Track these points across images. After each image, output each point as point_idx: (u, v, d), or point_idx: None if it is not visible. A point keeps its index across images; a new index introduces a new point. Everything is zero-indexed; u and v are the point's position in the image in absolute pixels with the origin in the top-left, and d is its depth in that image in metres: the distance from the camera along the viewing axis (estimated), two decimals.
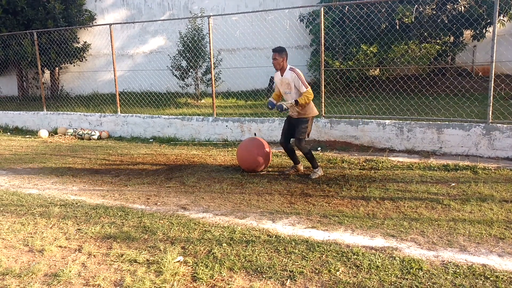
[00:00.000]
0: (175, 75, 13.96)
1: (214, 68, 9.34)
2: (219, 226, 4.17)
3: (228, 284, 3.08)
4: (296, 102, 5.72)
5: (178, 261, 3.46)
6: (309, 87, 5.81)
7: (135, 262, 3.47)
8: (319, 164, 6.11)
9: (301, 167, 6.26)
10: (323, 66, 7.83)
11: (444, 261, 3.30)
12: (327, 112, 8.73)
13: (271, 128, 8.16)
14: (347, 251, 3.50)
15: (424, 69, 13.38)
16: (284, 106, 5.79)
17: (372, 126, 7.29)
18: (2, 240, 4.03)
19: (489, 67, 6.52)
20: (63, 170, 6.84)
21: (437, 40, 12.81)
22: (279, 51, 5.76)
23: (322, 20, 7.70)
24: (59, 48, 14.58)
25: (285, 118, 6.26)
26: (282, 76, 5.85)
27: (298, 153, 6.31)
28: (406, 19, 12.11)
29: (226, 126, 8.57)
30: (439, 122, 6.89)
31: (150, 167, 6.84)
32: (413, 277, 3.06)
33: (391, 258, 3.35)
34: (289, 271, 3.22)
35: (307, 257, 3.42)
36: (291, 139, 6.10)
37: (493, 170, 5.78)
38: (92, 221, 4.45)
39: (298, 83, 5.73)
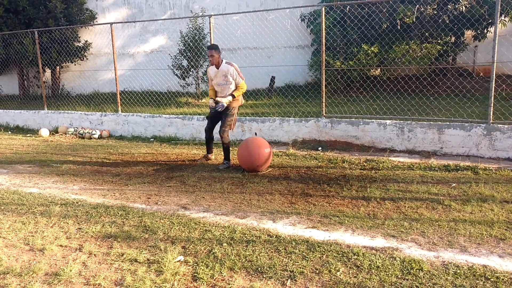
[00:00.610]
0: (176, 75, 13.96)
1: None
2: (220, 225, 4.17)
3: (229, 284, 3.08)
4: (233, 96, 6.50)
5: (179, 261, 3.46)
6: (244, 78, 6.57)
7: (136, 262, 3.47)
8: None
9: (212, 156, 7.05)
10: (324, 66, 7.83)
11: (444, 261, 3.30)
12: (328, 112, 8.73)
13: (272, 128, 8.16)
14: (348, 251, 3.50)
15: (425, 69, 13.37)
16: (225, 104, 6.49)
17: (373, 126, 7.29)
18: (2, 239, 4.04)
19: (490, 68, 6.52)
20: (64, 169, 6.84)
21: (438, 40, 12.80)
22: (215, 48, 6.39)
23: (323, 20, 7.69)
24: (60, 47, 14.59)
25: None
26: (218, 69, 6.48)
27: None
28: (407, 19, 12.11)
29: None
30: (440, 123, 6.89)
31: (150, 166, 6.84)
32: (414, 278, 3.06)
33: (391, 259, 3.35)
34: (290, 271, 3.22)
35: (307, 257, 3.42)
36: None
37: (494, 171, 5.77)
38: (92, 220, 4.46)
39: (235, 75, 6.46)
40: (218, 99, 6.55)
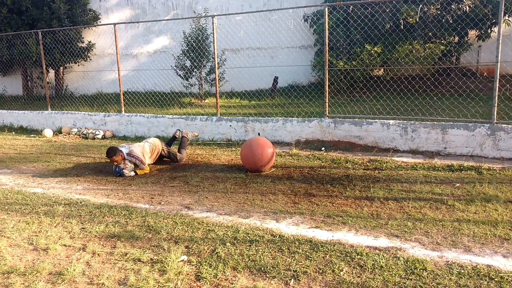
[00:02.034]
0: (179, 75, 13.98)
1: (218, 68, 9.35)
2: (223, 225, 4.17)
3: (232, 284, 3.08)
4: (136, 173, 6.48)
5: (182, 260, 3.46)
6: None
7: (139, 261, 3.48)
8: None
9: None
10: (327, 66, 7.82)
11: (448, 261, 3.29)
12: (331, 112, 8.72)
13: (275, 128, 8.16)
14: (351, 251, 3.49)
15: (428, 69, 13.33)
16: (126, 174, 6.36)
17: (376, 126, 7.27)
18: (7, 239, 4.05)
19: (494, 67, 6.50)
20: (67, 169, 6.86)
21: (441, 40, 12.76)
22: (115, 152, 6.28)
23: (326, 20, 7.69)
24: (64, 47, 14.63)
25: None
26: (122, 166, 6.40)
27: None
28: (411, 19, 12.08)
29: (230, 126, 8.58)
30: (443, 123, 6.87)
31: (153, 166, 6.85)
32: (417, 278, 3.05)
33: (395, 259, 3.35)
34: (293, 270, 3.22)
35: (310, 257, 3.42)
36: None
37: (498, 171, 5.75)
38: (96, 220, 4.47)
39: (132, 160, 6.40)
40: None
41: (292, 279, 3.11)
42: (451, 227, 3.96)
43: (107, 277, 3.24)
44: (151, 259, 3.50)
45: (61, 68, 16.84)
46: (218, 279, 3.15)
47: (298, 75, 15.83)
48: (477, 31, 13.31)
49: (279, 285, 3.05)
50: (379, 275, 3.10)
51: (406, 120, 7.36)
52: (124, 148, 6.51)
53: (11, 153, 8.34)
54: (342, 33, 12.93)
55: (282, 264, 3.32)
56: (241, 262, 3.38)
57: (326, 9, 7.72)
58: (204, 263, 3.38)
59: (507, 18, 12.84)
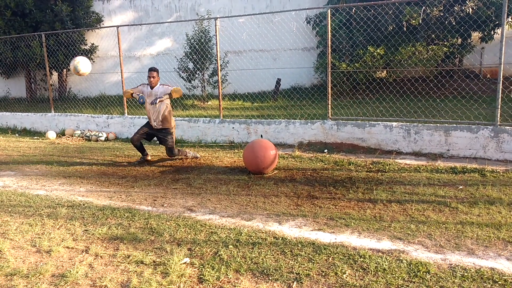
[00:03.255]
0: (182, 77, 14.01)
1: (220, 70, 9.35)
2: (226, 228, 4.17)
3: (234, 286, 3.08)
4: (170, 95, 6.91)
5: (185, 263, 3.46)
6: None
7: (142, 263, 3.48)
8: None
9: (149, 157, 7.45)
10: (329, 68, 7.82)
11: (451, 264, 3.28)
12: (334, 114, 8.71)
13: (278, 130, 8.15)
14: (354, 254, 3.48)
15: (431, 71, 13.32)
16: (157, 101, 6.83)
17: (379, 128, 7.26)
18: (10, 241, 4.06)
19: (497, 69, 6.48)
20: (70, 171, 6.88)
21: (444, 42, 12.75)
22: (157, 71, 6.96)
23: (329, 22, 7.69)
24: (67, 50, 14.68)
25: (146, 123, 7.21)
26: (152, 89, 6.95)
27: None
28: (414, 21, 12.07)
29: (233, 127, 8.58)
30: (446, 125, 6.85)
31: (156, 168, 6.86)
32: (420, 280, 3.04)
33: (398, 261, 3.34)
34: (296, 273, 3.22)
35: (313, 260, 3.41)
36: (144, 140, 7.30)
37: (501, 173, 5.73)
38: (99, 222, 4.47)
39: (168, 90, 6.91)
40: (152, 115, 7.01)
41: (295, 282, 3.10)
42: (454, 229, 3.94)
43: (109, 279, 3.24)
44: (154, 261, 3.50)
45: (65, 70, 16.90)
46: (220, 282, 3.15)
47: (301, 77, 15.83)
48: (480, 32, 13.29)
49: (282, 287, 3.05)
50: (382, 278, 3.09)
51: (409, 122, 7.35)
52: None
53: (14, 155, 8.37)
54: (344, 35, 12.92)
55: (285, 267, 3.32)
56: (243, 264, 3.38)
57: (329, 11, 7.73)
58: (207, 266, 3.38)
59: (510, 19, 12.82)
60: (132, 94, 7.05)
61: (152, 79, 6.86)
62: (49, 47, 14.01)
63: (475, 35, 13.72)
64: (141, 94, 6.93)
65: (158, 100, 6.82)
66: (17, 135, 11.11)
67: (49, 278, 3.32)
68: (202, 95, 13.98)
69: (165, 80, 13.82)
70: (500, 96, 6.44)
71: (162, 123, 7.00)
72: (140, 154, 7.39)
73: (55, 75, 16.99)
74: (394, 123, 7.19)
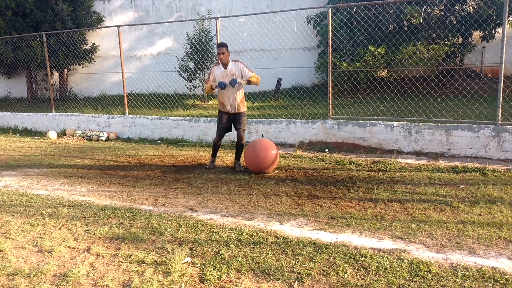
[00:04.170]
0: (183, 77, 14.01)
1: None
2: (227, 227, 4.18)
3: (236, 286, 3.08)
4: (249, 81, 6.36)
5: (186, 262, 3.46)
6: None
7: (143, 263, 3.48)
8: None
9: (214, 160, 6.82)
10: (330, 68, 7.82)
11: (453, 263, 3.28)
12: (335, 114, 8.71)
13: (279, 130, 8.15)
14: (355, 253, 3.48)
15: (432, 70, 13.31)
16: (238, 81, 6.27)
17: (380, 127, 7.26)
18: (11, 241, 4.07)
19: (498, 68, 6.48)
20: (71, 171, 6.88)
21: (445, 41, 12.74)
22: (226, 46, 6.28)
23: (330, 21, 7.69)
24: (68, 49, 14.70)
25: (220, 115, 6.60)
26: (225, 69, 6.35)
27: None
28: (414, 20, 12.06)
29: None
30: (447, 124, 6.85)
31: (157, 168, 6.87)
32: (422, 280, 3.04)
33: (399, 260, 3.34)
34: (297, 272, 3.22)
35: (314, 259, 3.41)
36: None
37: (502, 172, 5.73)
38: (100, 222, 4.48)
39: (244, 70, 6.37)
40: (230, 99, 6.41)
41: (296, 281, 3.10)
42: (455, 229, 3.94)
43: (111, 279, 3.24)
44: (155, 261, 3.51)
45: (65, 70, 16.92)
46: (222, 281, 3.15)
47: (302, 77, 15.83)
48: (481, 32, 13.29)
49: (283, 287, 3.05)
50: (383, 277, 3.09)
51: (410, 121, 7.35)
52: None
53: (15, 155, 8.38)
54: (345, 35, 12.93)
55: (286, 266, 3.32)
56: (245, 264, 3.38)
57: (330, 10, 7.72)
58: (208, 265, 3.38)
59: (511, 19, 12.80)
60: (212, 88, 6.40)
61: (222, 55, 6.22)
62: (50, 47, 14.03)
63: (476, 34, 13.71)
64: (217, 83, 6.29)
65: (237, 83, 6.24)
66: (18, 135, 11.12)
67: (51, 277, 3.32)
68: (203, 94, 13.98)
69: (165, 80, 13.86)
70: (501, 95, 6.43)
71: (239, 107, 6.47)
72: (212, 156, 6.77)
73: (56, 75, 17.01)
74: (395, 123, 7.19)
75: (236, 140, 6.55)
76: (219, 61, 6.36)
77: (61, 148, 8.99)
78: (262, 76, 14.49)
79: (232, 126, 6.61)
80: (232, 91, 6.37)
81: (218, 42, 8.67)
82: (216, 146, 6.69)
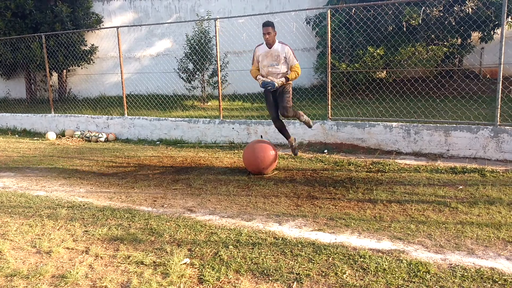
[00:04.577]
0: (182, 78, 14.01)
1: (220, 71, 9.36)
2: (226, 228, 4.17)
3: (235, 286, 3.08)
4: (287, 79, 5.97)
5: (185, 263, 3.46)
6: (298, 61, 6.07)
7: (142, 264, 3.48)
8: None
9: (292, 139, 6.50)
10: (329, 69, 7.83)
11: (451, 264, 3.28)
12: (334, 115, 8.71)
13: (277, 131, 8.14)
14: (354, 254, 3.48)
15: (431, 71, 13.32)
16: (276, 85, 5.94)
17: (379, 128, 7.26)
18: (10, 242, 4.06)
19: (497, 69, 6.48)
20: (70, 172, 6.88)
21: (444, 42, 12.75)
22: (272, 25, 5.92)
23: (329, 22, 7.69)
24: (67, 51, 14.70)
25: (265, 93, 6.27)
26: (270, 48, 5.99)
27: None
28: (413, 21, 12.07)
29: (233, 128, 8.58)
30: (446, 125, 6.85)
31: (156, 169, 6.86)
32: (421, 280, 3.04)
33: (398, 261, 3.34)
34: (296, 273, 3.22)
35: (313, 260, 3.41)
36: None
37: (501, 173, 5.73)
38: (99, 223, 4.47)
39: (290, 56, 5.95)
40: (270, 78, 5.99)
41: (295, 282, 3.10)
42: (454, 229, 3.95)
43: (110, 280, 3.24)
44: (154, 262, 3.50)
45: (64, 71, 16.91)
46: (221, 282, 3.15)
47: (301, 78, 15.64)
48: (480, 33, 13.29)
49: None
50: (382, 278, 3.09)
51: (409, 122, 7.35)
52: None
53: (14, 156, 8.37)
54: (344, 36, 12.93)
55: (285, 267, 3.32)
56: (243, 265, 3.38)
57: (329, 11, 7.73)
58: (207, 266, 3.38)
59: (510, 19, 12.81)
60: (256, 78, 6.12)
61: (267, 35, 5.85)
62: (49, 48, 14.02)
63: (475, 35, 13.72)
64: (260, 82, 5.98)
65: (275, 87, 5.89)
66: (17, 136, 11.11)
67: (49, 279, 3.32)
68: (202, 95, 13.98)
69: (164, 81, 13.87)
70: (500, 96, 6.44)
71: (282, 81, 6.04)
72: (286, 138, 6.46)
73: (55, 76, 17.00)
74: (394, 123, 7.19)
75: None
76: (264, 40, 5.99)
77: (60, 149, 8.99)
78: None
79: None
80: (274, 69, 5.99)
81: (217, 43, 8.69)
82: (277, 128, 6.41)
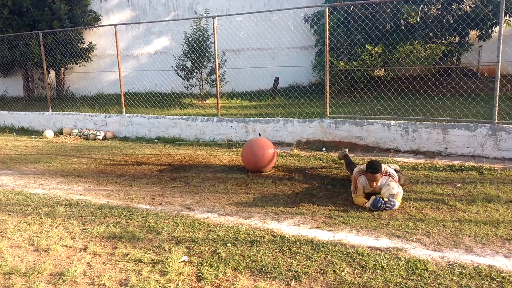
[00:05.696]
0: (180, 76, 13.98)
1: (218, 69, 9.35)
2: (224, 226, 4.17)
3: (233, 284, 3.08)
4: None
5: (183, 261, 3.46)
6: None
7: (140, 262, 3.48)
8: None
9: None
10: (328, 67, 7.82)
11: (449, 262, 3.28)
12: (332, 113, 8.71)
13: (276, 129, 8.15)
14: (352, 252, 3.49)
15: (429, 69, 13.33)
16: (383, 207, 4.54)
17: (377, 126, 7.26)
18: (8, 240, 4.05)
19: (495, 68, 6.49)
20: (68, 170, 6.86)
21: (442, 40, 12.75)
22: (381, 171, 4.70)
23: (327, 20, 7.68)
24: (65, 48, 14.65)
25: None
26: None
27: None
28: (411, 19, 12.07)
29: (231, 126, 8.58)
30: (444, 123, 6.86)
31: (155, 167, 6.85)
32: (419, 278, 3.04)
33: (396, 259, 3.34)
34: (294, 271, 3.22)
35: (312, 258, 3.41)
36: None
37: (499, 171, 5.74)
38: (97, 221, 4.47)
39: (392, 188, 4.64)
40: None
41: (293, 280, 3.10)
42: (452, 227, 3.95)
43: (108, 278, 3.24)
44: (152, 260, 3.50)
45: (62, 69, 16.84)
46: (219, 280, 3.15)
47: (299, 76, 15.82)
48: (478, 31, 13.31)
49: (280, 285, 3.05)
50: (381, 276, 3.10)
51: (407, 120, 7.35)
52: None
53: (12, 154, 8.35)
54: (342, 34, 12.92)
55: (283, 265, 3.32)
56: (242, 262, 3.38)
57: (327, 9, 7.72)
58: (205, 264, 3.38)
59: (507, 18, 12.84)
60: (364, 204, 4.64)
61: (375, 183, 4.67)
62: (47, 45, 13.96)
63: (473, 33, 13.73)
64: (370, 204, 4.54)
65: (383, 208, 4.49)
66: (14, 134, 11.08)
67: (47, 276, 3.31)
68: (200, 93, 13.96)
69: (162, 79, 13.84)
70: (497, 94, 6.45)
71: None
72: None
73: (52, 73, 16.94)
74: (392, 122, 7.19)
75: None
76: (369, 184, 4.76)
77: (57, 147, 8.96)
78: (260, 75, 14.49)
79: None
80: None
81: (216, 41, 8.67)
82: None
